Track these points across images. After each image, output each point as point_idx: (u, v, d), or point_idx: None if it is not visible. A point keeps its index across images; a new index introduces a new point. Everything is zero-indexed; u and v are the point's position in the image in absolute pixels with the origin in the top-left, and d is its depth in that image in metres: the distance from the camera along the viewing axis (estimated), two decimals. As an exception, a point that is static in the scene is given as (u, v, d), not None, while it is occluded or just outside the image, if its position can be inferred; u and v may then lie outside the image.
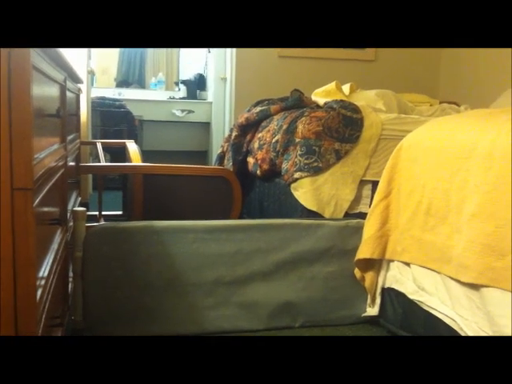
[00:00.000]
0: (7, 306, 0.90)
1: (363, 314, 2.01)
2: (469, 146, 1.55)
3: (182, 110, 5.42)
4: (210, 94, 5.32)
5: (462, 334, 1.51)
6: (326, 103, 2.58)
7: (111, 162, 4.30)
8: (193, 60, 5.86)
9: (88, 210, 2.06)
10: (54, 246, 1.33)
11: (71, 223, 1.84)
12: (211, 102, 5.18)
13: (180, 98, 5.65)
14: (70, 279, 1.83)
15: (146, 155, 3.29)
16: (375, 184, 2.11)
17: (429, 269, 1.68)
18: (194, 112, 5.44)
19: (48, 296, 1.12)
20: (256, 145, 2.90)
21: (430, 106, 3.20)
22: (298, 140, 2.42)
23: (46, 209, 1.18)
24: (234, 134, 3.13)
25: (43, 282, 1.08)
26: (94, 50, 5.13)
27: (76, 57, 3.46)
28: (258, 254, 1.95)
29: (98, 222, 2.89)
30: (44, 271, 1.11)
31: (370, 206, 1.99)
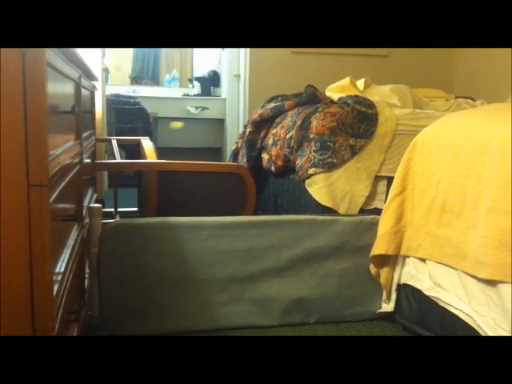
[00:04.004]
0: (24, 302, 0.91)
1: (378, 311, 2.00)
2: (484, 141, 1.53)
3: (196, 107, 5.43)
4: (224, 90, 5.32)
5: (479, 331, 1.50)
6: (340, 99, 2.57)
7: (126, 158, 4.32)
8: (206, 57, 5.87)
9: (104, 207, 2.08)
10: (71, 242, 1.34)
11: (87, 220, 1.85)
12: (225, 99, 5.18)
13: (194, 95, 5.66)
14: (87, 275, 1.84)
15: (160, 152, 3.30)
16: (390, 180, 2.10)
17: (445, 265, 1.67)
18: (208, 109, 5.45)
19: (64, 291, 1.13)
20: (270, 141, 2.90)
21: (446, 100, 3.18)
22: (312, 136, 2.41)
23: (61, 205, 1.19)
24: (248, 130, 3.13)
25: (59, 278, 1.09)
26: (109, 48, 5.16)
27: (90, 54, 3.48)
28: (272, 250, 1.95)
29: (113, 218, 2.91)
30: (60, 267, 1.12)
31: (384, 202, 1.98)
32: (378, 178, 2.40)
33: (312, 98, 2.88)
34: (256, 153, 3.10)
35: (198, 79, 5.73)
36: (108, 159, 4.22)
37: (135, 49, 5.84)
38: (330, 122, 2.36)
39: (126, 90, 5.53)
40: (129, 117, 4.97)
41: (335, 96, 2.66)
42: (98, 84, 3.43)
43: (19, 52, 0.86)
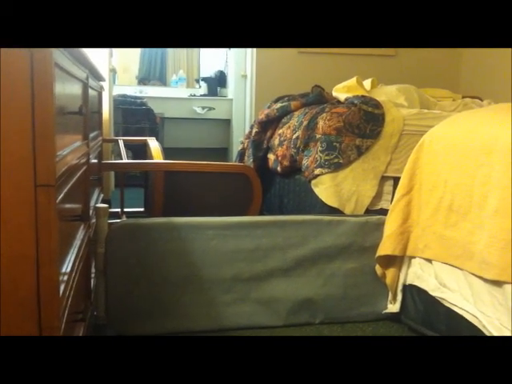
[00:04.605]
0: (31, 301, 0.92)
1: (384, 311, 2.00)
2: (491, 141, 1.53)
3: (203, 107, 5.44)
4: (231, 90, 5.33)
5: (485, 331, 1.50)
6: (346, 99, 2.56)
7: (133, 159, 4.33)
8: (213, 57, 5.87)
9: (110, 207, 2.08)
10: (77, 242, 1.35)
11: (94, 220, 1.86)
12: (232, 99, 5.19)
13: (201, 95, 5.67)
14: (93, 275, 1.85)
15: (167, 152, 3.31)
16: (397, 180, 2.09)
17: (451, 265, 1.66)
18: (214, 109, 5.45)
19: (71, 291, 1.14)
20: (276, 141, 2.90)
21: (453, 100, 3.17)
22: (318, 136, 2.41)
23: (68, 205, 1.19)
24: (255, 130, 3.13)
25: (66, 278, 1.09)
26: (116, 48, 5.17)
27: (98, 55, 3.49)
28: (278, 250, 1.95)
29: (119, 218, 2.92)
30: (67, 267, 1.13)
31: (391, 203, 1.98)
32: (384, 179, 2.40)
33: (319, 98, 2.88)
34: (262, 153, 3.10)
35: (205, 79, 5.74)
36: (115, 159, 4.23)
37: (142, 50, 5.86)
38: (337, 123, 2.36)
39: (133, 90, 5.54)
40: (135, 117, 4.98)
41: (342, 96, 2.65)
42: (106, 84, 3.44)
43: (27, 52, 0.87)
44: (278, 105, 3.05)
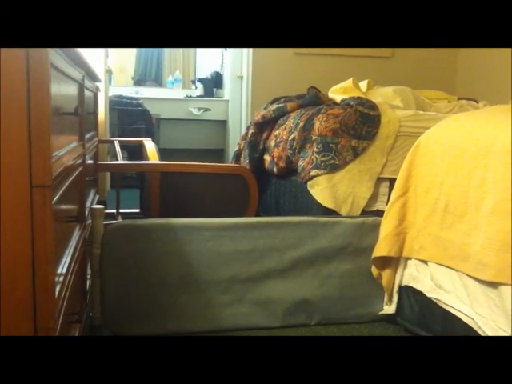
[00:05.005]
0: (26, 302, 0.92)
1: (380, 312, 2.00)
2: (487, 143, 1.53)
3: (199, 108, 5.43)
4: (227, 91, 5.32)
5: (480, 333, 1.50)
6: (342, 100, 2.57)
7: (129, 160, 4.33)
8: (209, 58, 5.87)
9: (106, 208, 2.08)
10: (73, 243, 1.34)
11: (89, 221, 1.85)
12: (228, 100, 5.19)
13: (197, 96, 5.67)
14: (89, 276, 1.85)
15: (163, 153, 3.30)
16: (392, 181, 2.09)
17: (446, 266, 1.66)
18: (210, 110, 5.45)
19: (66, 292, 1.14)
20: (272, 142, 2.90)
21: (448, 102, 3.17)
22: (314, 137, 2.41)
23: (64, 206, 1.19)
24: (251, 131, 3.13)
25: (61, 279, 1.09)
26: (112, 49, 5.16)
27: (94, 55, 3.48)
28: (274, 251, 1.95)
29: (115, 219, 2.91)
30: (62, 268, 1.12)
31: (387, 204, 1.98)
32: (380, 180, 2.40)
33: (315, 100, 2.88)
34: (258, 154, 3.10)
35: (201, 80, 5.74)
36: (110, 160, 4.22)
37: (138, 50, 5.86)
38: (333, 124, 2.36)
39: (129, 91, 5.54)
40: (131, 118, 4.97)
41: (338, 97, 2.66)
42: (101, 85, 3.44)
43: (24, 53, 0.86)
44: (274, 106, 3.05)
